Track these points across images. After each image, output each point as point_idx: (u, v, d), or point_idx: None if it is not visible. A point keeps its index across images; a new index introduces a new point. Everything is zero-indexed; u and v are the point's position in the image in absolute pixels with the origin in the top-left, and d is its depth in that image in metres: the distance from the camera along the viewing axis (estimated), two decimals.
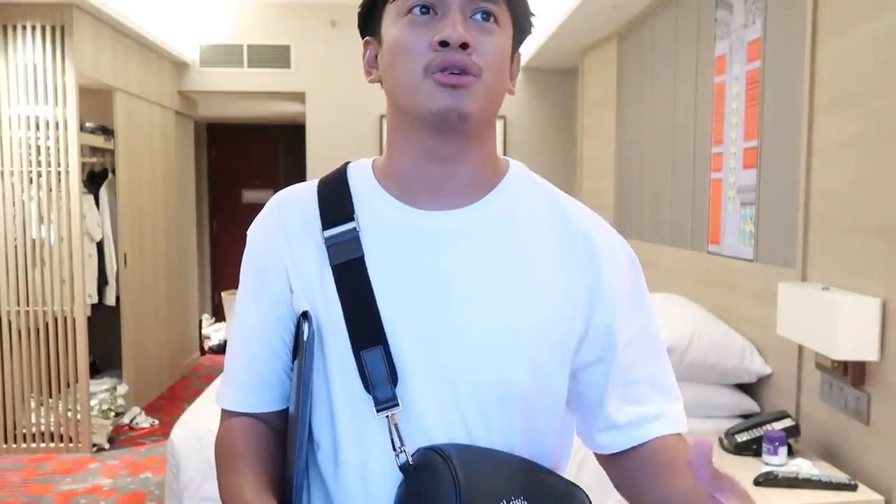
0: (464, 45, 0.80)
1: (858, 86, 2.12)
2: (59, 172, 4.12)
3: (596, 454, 0.95)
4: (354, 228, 0.86)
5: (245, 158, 8.26)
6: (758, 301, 2.68)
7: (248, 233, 0.94)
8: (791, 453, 2.19)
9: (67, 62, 4.07)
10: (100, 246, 4.80)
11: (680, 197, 3.49)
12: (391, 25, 0.85)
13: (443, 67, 0.80)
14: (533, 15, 0.91)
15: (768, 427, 2.23)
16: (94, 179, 4.92)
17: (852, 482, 1.98)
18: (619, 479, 0.93)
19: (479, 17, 0.83)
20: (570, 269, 0.87)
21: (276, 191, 0.98)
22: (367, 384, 0.82)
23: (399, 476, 0.81)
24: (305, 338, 0.83)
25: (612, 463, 0.92)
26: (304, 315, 0.85)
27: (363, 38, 0.91)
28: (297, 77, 5.57)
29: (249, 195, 8.29)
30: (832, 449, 2.22)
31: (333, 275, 0.85)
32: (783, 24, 2.58)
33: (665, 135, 3.70)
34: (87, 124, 4.65)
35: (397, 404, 0.81)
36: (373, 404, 0.81)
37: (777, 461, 2.13)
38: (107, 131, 4.80)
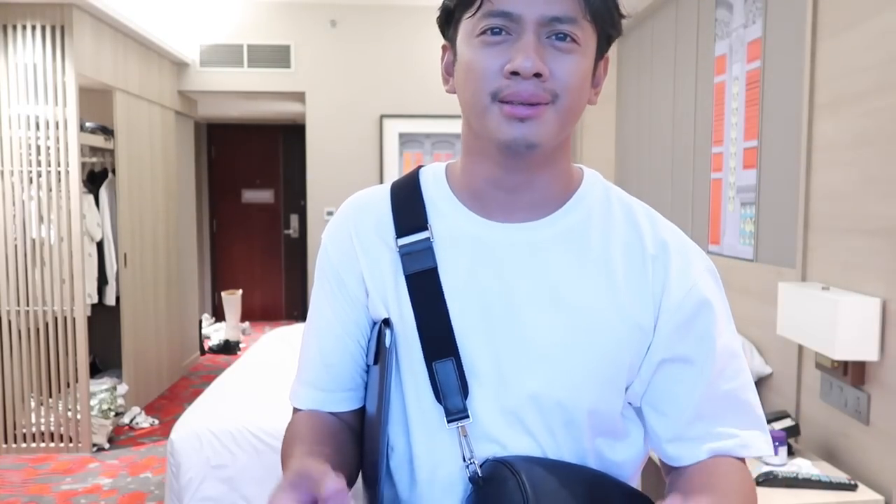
0: (537, 75, 0.78)
1: (858, 86, 2.12)
2: (59, 172, 4.12)
3: (661, 463, 0.92)
4: (428, 238, 0.86)
5: (245, 158, 8.27)
6: (758, 301, 2.68)
7: (322, 236, 0.94)
8: (791, 453, 2.19)
9: (67, 62, 4.07)
10: (100, 246, 4.80)
11: (680, 197, 3.49)
12: (465, 43, 0.82)
13: (512, 99, 0.78)
14: (623, 17, 0.86)
15: (768, 427, 2.23)
16: (94, 179, 4.92)
17: (852, 482, 1.98)
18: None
19: (555, 38, 0.79)
20: (642, 282, 0.85)
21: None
22: (438, 395, 0.82)
23: (467, 486, 0.81)
24: (388, 344, 0.84)
25: (670, 474, 0.90)
26: (386, 321, 0.85)
27: (444, 39, 0.89)
28: (297, 77, 5.57)
29: (249, 195, 8.29)
30: (832, 449, 2.22)
31: (407, 284, 0.85)
32: (783, 24, 2.58)
33: (665, 135, 3.70)
34: (87, 124, 4.65)
35: (468, 416, 0.82)
36: (443, 414, 0.82)
37: (777, 461, 2.13)
38: (107, 131, 4.80)
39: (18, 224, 4.12)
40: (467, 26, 0.82)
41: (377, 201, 0.91)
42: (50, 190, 4.13)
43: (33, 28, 4.04)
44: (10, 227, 4.11)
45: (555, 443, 0.84)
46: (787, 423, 2.25)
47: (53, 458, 4.14)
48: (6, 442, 4.19)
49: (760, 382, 2.66)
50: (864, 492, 1.97)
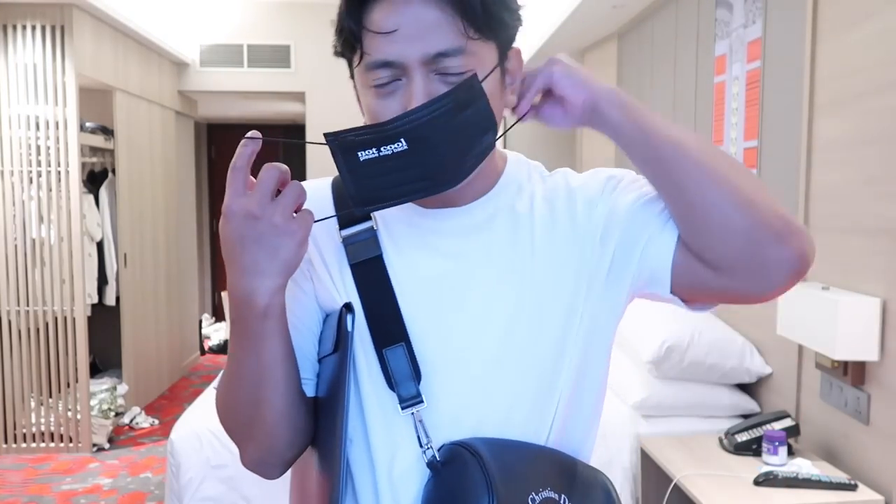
0: None
1: (858, 86, 2.12)
2: (59, 172, 4.12)
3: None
4: (372, 227, 0.86)
5: None
6: None
7: None
8: (791, 453, 2.19)
9: (67, 62, 4.07)
10: (100, 246, 4.80)
11: None
12: (362, 89, 0.83)
13: None
14: (517, 8, 0.84)
15: (768, 427, 2.23)
16: (94, 179, 4.92)
17: (852, 482, 1.98)
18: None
19: (443, 72, 0.78)
20: (575, 229, 0.87)
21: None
22: (391, 382, 0.82)
23: (427, 472, 0.81)
24: (350, 328, 0.82)
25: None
26: (347, 306, 0.84)
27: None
28: (297, 77, 5.57)
29: None
30: (832, 449, 2.22)
31: (352, 273, 0.85)
32: (783, 24, 2.58)
33: None
34: (87, 124, 4.65)
35: (422, 401, 0.81)
36: (398, 402, 0.82)
37: (777, 461, 2.13)
38: (107, 131, 4.80)
39: (18, 224, 4.12)
40: (359, 74, 0.82)
41: (320, 194, 0.90)
42: (50, 190, 4.13)
43: (33, 28, 4.04)
44: (10, 227, 4.11)
45: (512, 422, 0.83)
46: (787, 423, 2.25)
47: (53, 458, 4.14)
48: (6, 442, 4.19)
49: (760, 382, 2.66)
50: (864, 492, 1.97)
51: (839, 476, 2.03)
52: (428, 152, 0.74)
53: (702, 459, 2.22)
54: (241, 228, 0.73)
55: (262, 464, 0.88)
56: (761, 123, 2.71)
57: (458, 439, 0.81)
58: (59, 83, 4.08)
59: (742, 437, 2.25)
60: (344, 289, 0.86)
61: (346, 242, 0.86)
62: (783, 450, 2.14)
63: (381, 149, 0.74)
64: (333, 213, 0.87)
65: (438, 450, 0.81)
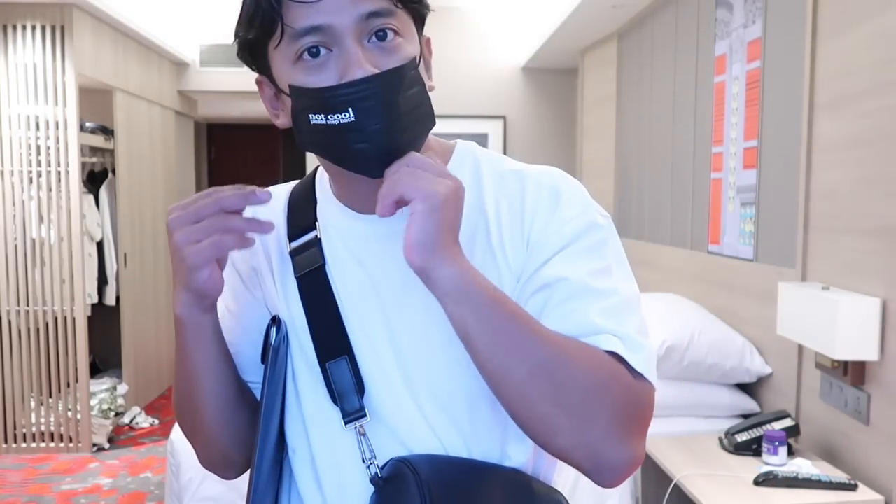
0: None
1: (858, 86, 2.12)
2: (59, 172, 4.12)
3: None
4: (316, 237, 0.84)
5: (245, 158, 8.27)
6: (758, 301, 2.68)
7: None
8: (791, 453, 2.19)
9: (67, 62, 4.07)
10: (100, 246, 4.80)
11: (680, 197, 3.49)
12: (285, 74, 0.76)
13: None
14: None
15: (768, 427, 2.23)
16: (94, 179, 4.92)
17: (852, 482, 1.98)
18: None
19: (376, 38, 0.74)
20: (512, 243, 0.81)
21: None
22: (334, 396, 0.80)
23: (371, 488, 0.79)
24: (273, 342, 0.81)
25: None
26: (274, 320, 0.83)
27: (256, 73, 0.83)
28: None
29: None
30: (832, 449, 2.22)
31: (297, 285, 0.83)
32: (783, 24, 2.58)
33: (665, 135, 3.70)
34: (87, 124, 4.65)
35: (364, 415, 0.79)
36: (341, 416, 0.80)
37: (777, 461, 2.13)
38: (107, 131, 4.80)
39: (18, 224, 4.12)
40: (280, 55, 0.75)
41: (272, 204, 0.84)
42: (50, 190, 4.13)
43: (33, 28, 4.04)
44: (10, 227, 4.11)
45: (459, 436, 0.80)
46: (787, 423, 2.25)
47: (53, 458, 4.14)
48: (6, 442, 4.19)
49: (760, 382, 2.66)
50: (864, 492, 1.97)
51: (839, 476, 2.03)
52: (373, 128, 0.72)
53: (702, 459, 2.22)
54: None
55: (213, 464, 0.90)
56: (761, 123, 2.71)
57: (402, 455, 0.78)
58: (59, 83, 4.08)
59: (742, 437, 2.25)
60: (286, 301, 0.84)
61: (293, 255, 0.84)
62: (783, 450, 2.14)
63: (329, 116, 0.73)
64: (285, 223, 0.87)
65: (383, 466, 0.78)
